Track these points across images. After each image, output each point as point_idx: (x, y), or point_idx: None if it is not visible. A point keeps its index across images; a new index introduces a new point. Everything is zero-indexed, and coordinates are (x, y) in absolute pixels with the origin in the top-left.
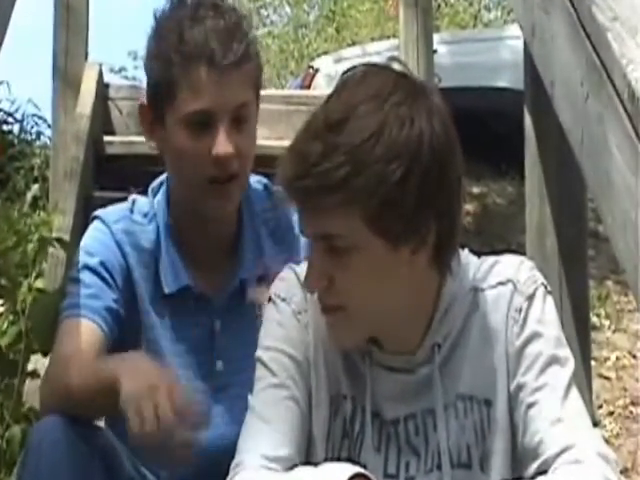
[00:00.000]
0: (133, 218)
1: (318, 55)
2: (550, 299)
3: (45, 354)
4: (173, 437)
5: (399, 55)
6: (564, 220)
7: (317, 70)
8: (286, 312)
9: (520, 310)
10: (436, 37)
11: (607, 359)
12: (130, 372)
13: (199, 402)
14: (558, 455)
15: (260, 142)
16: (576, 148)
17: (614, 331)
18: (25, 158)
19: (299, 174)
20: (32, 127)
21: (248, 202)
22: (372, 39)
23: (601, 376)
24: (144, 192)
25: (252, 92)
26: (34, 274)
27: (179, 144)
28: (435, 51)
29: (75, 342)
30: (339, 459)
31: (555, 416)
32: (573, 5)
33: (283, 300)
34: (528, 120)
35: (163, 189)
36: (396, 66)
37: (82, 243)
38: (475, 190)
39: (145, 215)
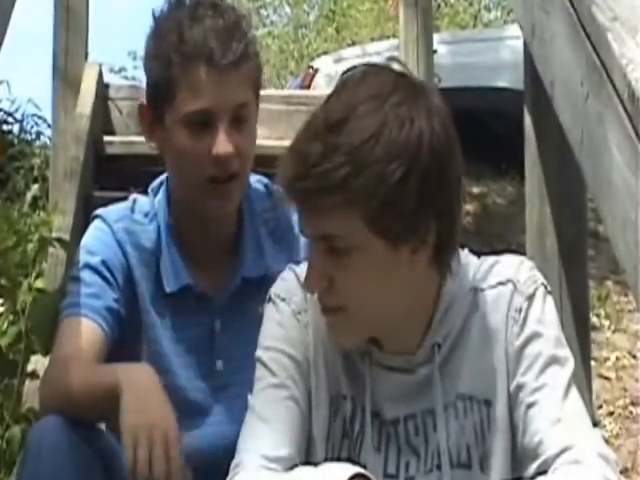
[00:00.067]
0: (134, 217)
1: (318, 55)
2: (550, 299)
3: (45, 354)
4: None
5: (399, 55)
6: (564, 220)
7: (317, 70)
8: (286, 312)
9: (520, 310)
10: (436, 37)
11: (607, 359)
12: (132, 393)
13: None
14: (558, 455)
15: (260, 142)
16: (576, 148)
17: (614, 331)
18: (25, 158)
19: (299, 175)
20: (32, 127)
21: (248, 202)
22: (372, 39)
23: (601, 376)
24: (144, 192)
25: (252, 92)
26: (34, 274)
27: (179, 144)
28: (435, 51)
29: (75, 342)
30: (339, 459)
31: (555, 416)
32: (573, 5)
33: (283, 300)
34: (528, 120)
35: (163, 189)
36: (396, 66)
37: (83, 242)
38: (475, 190)
39: (146, 215)
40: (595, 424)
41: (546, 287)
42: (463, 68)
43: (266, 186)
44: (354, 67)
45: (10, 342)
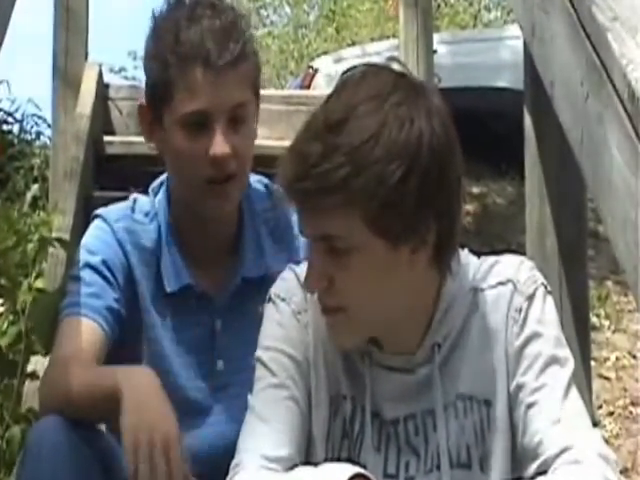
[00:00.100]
0: (134, 217)
1: (318, 55)
2: (550, 299)
3: (45, 354)
4: None
5: (399, 55)
6: (564, 220)
7: (317, 70)
8: (286, 312)
9: (520, 310)
10: (436, 37)
11: (607, 359)
12: (132, 397)
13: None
14: (558, 455)
15: (260, 142)
16: (576, 148)
17: (614, 331)
18: (25, 158)
19: (299, 175)
20: (32, 127)
21: (249, 202)
22: (372, 39)
23: (601, 376)
24: (144, 192)
25: (250, 92)
26: (34, 274)
27: (177, 145)
28: (435, 51)
29: (75, 342)
30: (339, 459)
31: (555, 416)
32: (573, 5)
33: (283, 300)
34: (528, 120)
35: (163, 189)
36: (395, 66)
37: (83, 241)
38: (475, 190)
39: (146, 214)
40: (595, 424)
41: (546, 287)
42: (463, 68)
43: (266, 186)
44: (354, 67)
45: (10, 342)
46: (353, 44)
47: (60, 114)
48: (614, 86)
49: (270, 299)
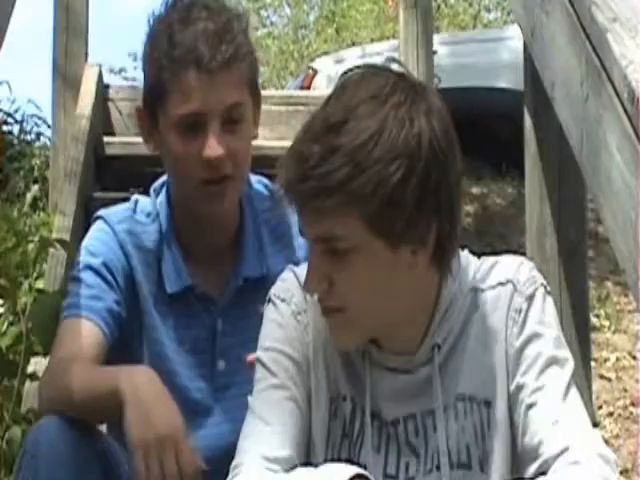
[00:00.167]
0: (136, 218)
1: (318, 56)
2: (550, 300)
3: (45, 355)
4: None
5: (399, 56)
6: (564, 221)
7: (317, 71)
8: (286, 313)
9: (520, 311)
10: (436, 38)
11: (607, 360)
12: (134, 394)
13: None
14: (558, 456)
15: (260, 143)
16: (576, 149)
17: (614, 332)
18: (25, 159)
19: (299, 176)
20: (32, 128)
21: (250, 202)
22: (372, 40)
23: (601, 377)
24: (144, 193)
25: (245, 92)
26: (34, 275)
27: (172, 147)
28: (435, 52)
29: (75, 343)
30: (339, 459)
31: (555, 417)
32: (573, 6)
33: (283, 301)
34: (528, 121)
35: (164, 189)
36: (395, 67)
37: (84, 243)
38: (475, 191)
39: (148, 215)
40: (595, 425)
41: (546, 288)
42: (463, 69)
43: (267, 186)
44: (353, 68)
45: (10, 343)
46: (353, 45)
47: (60, 115)
48: (614, 87)
49: (270, 300)
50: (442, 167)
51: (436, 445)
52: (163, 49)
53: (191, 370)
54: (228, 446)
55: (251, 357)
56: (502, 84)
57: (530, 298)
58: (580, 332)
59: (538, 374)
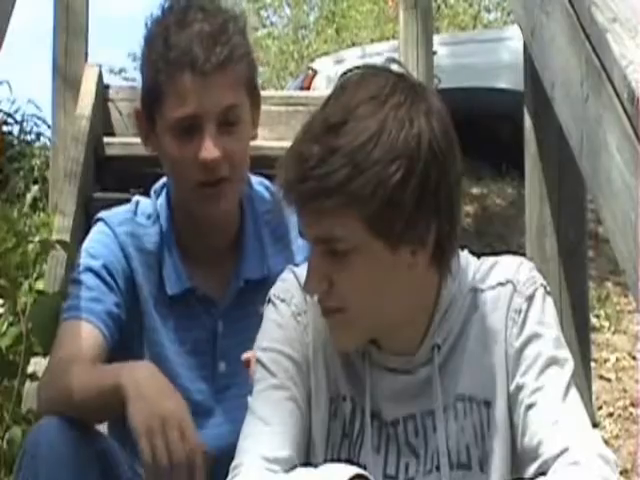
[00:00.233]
0: (137, 220)
1: (318, 56)
2: (550, 300)
3: (45, 355)
4: (183, 469)
5: (399, 56)
6: (564, 221)
7: (317, 71)
8: (286, 313)
9: (520, 311)
10: (436, 38)
11: (607, 360)
12: (136, 389)
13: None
14: (557, 456)
15: (259, 143)
16: (576, 149)
17: (614, 332)
18: (25, 159)
19: (299, 177)
20: (32, 128)
21: (250, 203)
22: (372, 40)
23: (601, 377)
24: (144, 193)
25: (243, 92)
26: (34, 275)
27: (169, 150)
28: (435, 52)
29: (75, 345)
30: (339, 460)
31: (554, 417)
32: (573, 6)
33: (283, 301)
34: (528, 121)
35: (165, 191)
36: (394, 67)
37: (85, 245)
38: (475, 191)
39: (148, 217)
40: (595, 425)
41: (546, 288)
42: (463, 69)
43: (267, 188)
44: (353, 69)
45: (10, 343)
46: (353, 45)
47: (60, 115)
48: (614, 87)
49: (270, 300)
50: (442, 168)
51: (436, 445)
52: (159, 51)
53: (192, 372)
54: (229, 447)
55: (246, 355)
56: (502, 84)
57: (530, 298)
58: (580, 332)
59: (538, 374)
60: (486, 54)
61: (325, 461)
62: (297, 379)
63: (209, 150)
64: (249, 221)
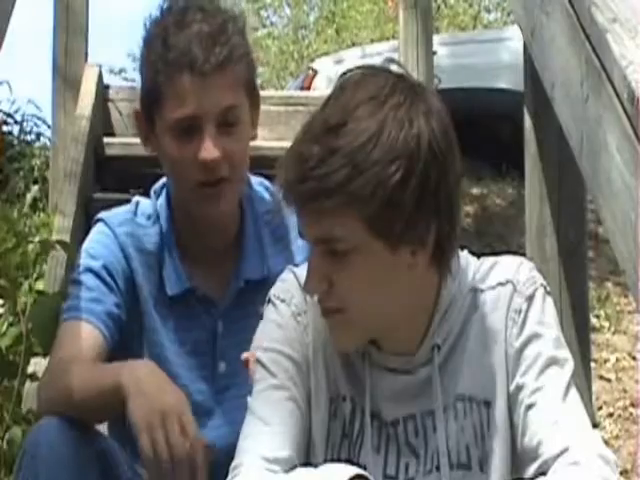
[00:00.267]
0: (137, 220)
1: (318, 56)
2: (550, 300)
3: (45, 356)
4: (184, 464)
5: (399, 56)
6: (564, 221)
7: (317, 71)
8: (285, 313)
9: (520, 311)
10: (436, 38)
11: (607, 361)
12: (136, 386)
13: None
14: (557, 456)
15: (259, 143)
16: (576, 149)
17: (614, 332)
18: (25, 159)
19: (298, 177)
20: (32, 128)
21: (250, 203)
22: (372, 40)
23: (601, 378)
24: (144, 194)
25: (242, 93)
26: (34, 275)
27: (168, 150)
28: (435, 52)
29: (75, 346)
30: (339, 460)
31: (554, 417)
32: (573, 6)
33: (283, 301)
34: (528, 121)
35: (165, 191)
36: (394, 67)
37: (85, 245)
38: (475, 191)
39: (149, 217)
40: (595, 425)
41: (546, 288)
42: (463, 69)
43: (268, 188)
44: (352, 69)
45: (10, 343)
46: (353, 45)
47: (60, 115)
48: (614, 87)
49: (270, 300)
50: (441, 168)
51: (436, 445)
52: (158, 52)
53: (192, 372)
54: (229, 447)
55: (245, 355)
56: (502, 85)
57: (530, 298)
58: (580, 333)
59: (538, 374)
60: (486, 54)
61: (325, 461)
62: (297, 379)
63: (209, 150)
64: (249, 221)
